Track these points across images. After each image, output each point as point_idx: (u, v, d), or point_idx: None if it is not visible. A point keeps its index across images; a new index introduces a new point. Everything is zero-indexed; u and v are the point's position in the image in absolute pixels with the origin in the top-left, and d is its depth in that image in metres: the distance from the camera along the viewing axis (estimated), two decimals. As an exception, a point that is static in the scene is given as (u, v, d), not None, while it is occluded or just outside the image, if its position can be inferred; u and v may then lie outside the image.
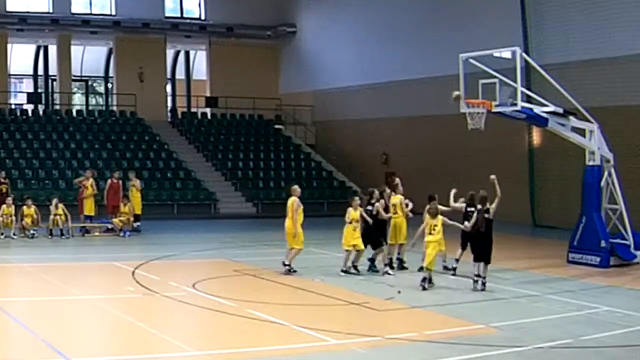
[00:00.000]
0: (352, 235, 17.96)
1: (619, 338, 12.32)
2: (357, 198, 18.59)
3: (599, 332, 12.59)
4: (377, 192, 18.68)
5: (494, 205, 16.47)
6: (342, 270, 18.06)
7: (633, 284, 17.50)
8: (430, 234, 16.42)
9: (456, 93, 19.24)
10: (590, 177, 20.09)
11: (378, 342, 11.98)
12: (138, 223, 27.04)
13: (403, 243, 18.92)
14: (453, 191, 18.02)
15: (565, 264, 20.12)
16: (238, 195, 36.24)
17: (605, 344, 11.93)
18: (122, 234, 25.62)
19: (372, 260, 18.48)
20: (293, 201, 18.29)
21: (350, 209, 18.03)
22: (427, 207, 16.85)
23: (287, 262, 18.11)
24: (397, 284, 16.70)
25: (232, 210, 34.52)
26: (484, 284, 16.25)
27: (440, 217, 16.55)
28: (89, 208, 26.05)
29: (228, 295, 15.36)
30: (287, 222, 18.22)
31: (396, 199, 18.83)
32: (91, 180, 26.49)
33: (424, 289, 16.18)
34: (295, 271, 18.01)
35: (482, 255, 16.31)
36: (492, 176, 16.85)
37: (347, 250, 18.08)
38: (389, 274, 17.96)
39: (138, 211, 27.08)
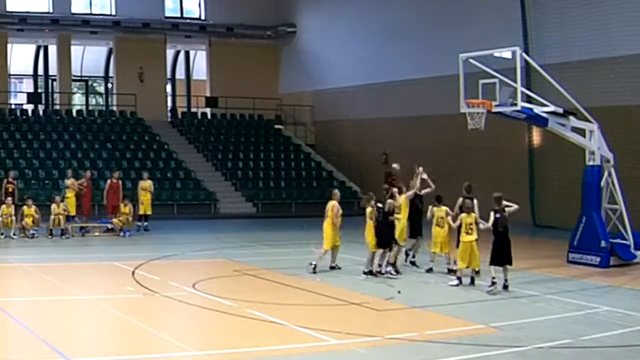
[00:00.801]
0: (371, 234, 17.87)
1: (619, 338, 12.32)
2: (371, 193, 18.39)
3: (599, 332, 12.59)
4: (392, 189, 18.41)
5: (511, 209, 16.33)
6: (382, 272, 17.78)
7: (633, 284, 17.50)
8: (467, 233, 16.21)
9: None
10: (590, 177, 20.08)
11: (378, 342, 11.98)
12: (146, 223, 27.17)
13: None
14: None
15: (565, 264, 20.11)
16: (238, 195, 36.24)
17: (605, 344, 11.93)
18: (122, 234, 25.62)
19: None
20: (333, 205, 18.26)
21: (369, 209, 17.97)
22: (460, 204, 16.68)
23: (313, 264, 18.05)
24: (397, 284, 16.70)
25: (232, 210, 34.52)
26: (506, 286, 16.12)
27: (473, 214, 16.42)
28: (73, 207, 25.98)
29: (228, 295, 15.36)
30: (326, 225, 18.27)
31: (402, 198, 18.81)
32: (69, 181, 26.58)
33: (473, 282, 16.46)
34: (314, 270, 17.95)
35: (504, 257, 16.10)
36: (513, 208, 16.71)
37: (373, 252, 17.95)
38: (391, 274, 17.75)
39: (149, 211, 27.18)
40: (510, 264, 16.21)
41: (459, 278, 16.55)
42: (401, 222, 18.32)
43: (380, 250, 17.77)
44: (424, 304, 14.93)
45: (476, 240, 16.34)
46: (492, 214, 16.27)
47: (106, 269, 19.39)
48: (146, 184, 27.53)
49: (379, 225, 17.68)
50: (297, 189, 37.15)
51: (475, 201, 17.28)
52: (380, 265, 17.82)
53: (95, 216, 27.61)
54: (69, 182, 26.64)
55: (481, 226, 16.33)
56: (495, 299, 15.47)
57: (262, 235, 27.51)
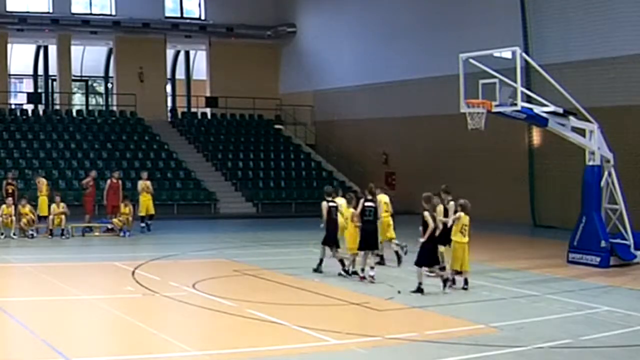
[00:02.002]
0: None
1: (619, 338, 12.32)
2: (351, 194, 18.35)
3: (599, 332, 12.59)
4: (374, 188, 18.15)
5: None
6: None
7: (633, 284, 17.48)
8: (461, 232, 15.97)
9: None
10: (590, 177, 20.07)
11: (378, 342, 11.98)
12: (149, 222, 27.12)
13: (393, 238, 19.12)
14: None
15: (565, 264, 20.10)
16: (238, 195, 36.25)
17: (605, 344, 11.93)
18: (122, 234, 25.63)
19: (342, 262, 18.01)
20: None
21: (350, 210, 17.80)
22: (461, 203, 16.19)
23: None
24: (398, 284, 16.68)
25: (232, 210, 34.53)
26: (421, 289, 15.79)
27: (467, 216, 16.10)
28: (42, 208, 25.97)
29: (228, 295, 15.36)
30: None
31: (384, 197, 18.80)
32: (41, 179, 26.79)
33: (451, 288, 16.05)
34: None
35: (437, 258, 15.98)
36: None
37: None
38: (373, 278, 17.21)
39: (152, 211, 27.19)
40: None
41: (453, 280, 16.31)
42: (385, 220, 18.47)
43: (363, 252, 17.16)
44: (424, 304, 14.91)
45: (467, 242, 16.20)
46: (426, 214, 15.71)
47: (106, 269, 19.38)
48: (144, 183, 27.49)
49: (369, 225, 17.14)
50: (297, 189, 37.16)
51: (452, 203, 17.18)
52: (363, 270, 17.19)
53: (95, 216, 27.60)
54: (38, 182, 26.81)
55: (421, 240, 15.76)
56: (495, 299, 15.48)
57: (262, 235, 27.51)
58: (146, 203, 27.11)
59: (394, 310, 14.52)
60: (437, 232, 15.73)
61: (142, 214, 27.05)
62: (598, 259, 19.60)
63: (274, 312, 13.71)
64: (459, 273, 16.30)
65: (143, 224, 26.96)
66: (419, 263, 15.73)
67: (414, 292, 15.58)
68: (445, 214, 16.78)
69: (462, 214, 16.13)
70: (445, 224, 16.38)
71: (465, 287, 16.11)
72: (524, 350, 11.44)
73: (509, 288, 16.56)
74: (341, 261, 17.84)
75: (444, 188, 17.60)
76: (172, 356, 11.23)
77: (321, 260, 18.25)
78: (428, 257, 15.71)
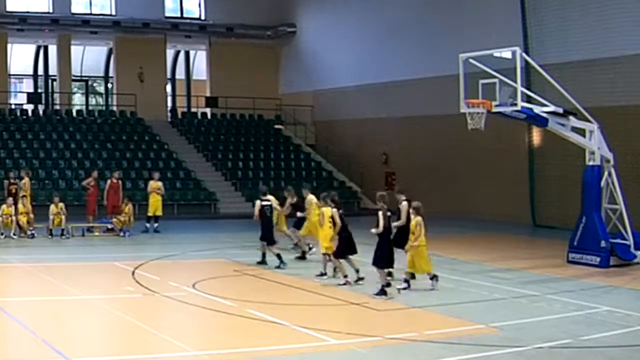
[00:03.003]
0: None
1: (619, 338, 12.33)
2: (328, 193, 18.17)
3: (599, 332, 12.60)
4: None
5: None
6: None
7: (633, 284, 17.49)
8: (425, 235, 15.85)
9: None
10: (590, 177, 20.07)
11: (378, 342, 11.98)
12: (156, 225, 27.09)
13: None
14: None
15: (565, 264, 20.10)
16: (238, 195, 36.24)
17: (605, 344, 11.94)
18: (122, 234, 25.63)
19: (279, 256, 18.99)
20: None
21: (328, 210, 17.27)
22: (414, 206, 16.03)
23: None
24: (396, 284, 16.67)
25: (232, 210, 34.49)
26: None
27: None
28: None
29: (228, 295, 15.37)
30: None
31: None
32: (25, 179, 26.74)
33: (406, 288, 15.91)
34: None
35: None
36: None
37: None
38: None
39: (159, 212, 27.21)
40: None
41: (407, 281, 16.11)
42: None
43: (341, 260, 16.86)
44: (424, 304, 14.92)
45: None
46: (381, 214, 15.46)
47: (106, 269, 19.38)
48: (155, 184, 27.50)
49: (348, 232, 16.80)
50: (297, 189, 37.06)
51: (405, 203, 16.96)
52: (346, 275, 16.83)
53: (95, 216, 27.59)
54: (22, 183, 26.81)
55: (373, 231, 15.54)
56: (495, 299, 15.49)
57: (262, 235, 27.44)
58: (156, 204, 27.14)
59: (394, 310, 14.53)
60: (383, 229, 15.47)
61: (150, 214, 27.08)
62: (598, 259, 19.60)
63: (274, 312, 13.72)
64: (414, 276, 16.32)
65: (148, 224, 26.95)
66: (376, 264, 15.58)
67: (377, 294, 15.32)
68: (398, 215, 16.79)
69: (419, 218, 15.86)
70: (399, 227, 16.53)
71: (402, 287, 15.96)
72: (524, 350, 11.44)
73: (509, 288, 16.56)
74: (264, 254, 19.32)
75: (398, 189, 17.68)
76: (172, 356, 11.24)
77: (263, 255, 19.53)
78: (385, 257, 15.54)
